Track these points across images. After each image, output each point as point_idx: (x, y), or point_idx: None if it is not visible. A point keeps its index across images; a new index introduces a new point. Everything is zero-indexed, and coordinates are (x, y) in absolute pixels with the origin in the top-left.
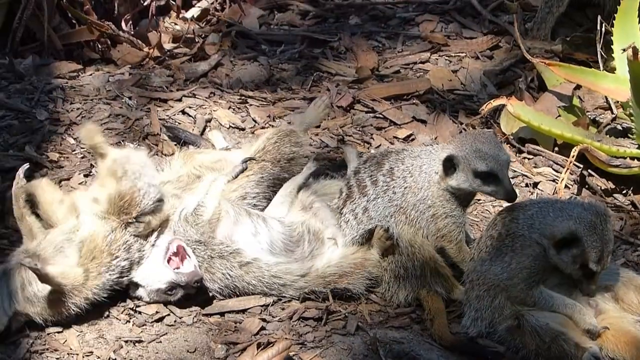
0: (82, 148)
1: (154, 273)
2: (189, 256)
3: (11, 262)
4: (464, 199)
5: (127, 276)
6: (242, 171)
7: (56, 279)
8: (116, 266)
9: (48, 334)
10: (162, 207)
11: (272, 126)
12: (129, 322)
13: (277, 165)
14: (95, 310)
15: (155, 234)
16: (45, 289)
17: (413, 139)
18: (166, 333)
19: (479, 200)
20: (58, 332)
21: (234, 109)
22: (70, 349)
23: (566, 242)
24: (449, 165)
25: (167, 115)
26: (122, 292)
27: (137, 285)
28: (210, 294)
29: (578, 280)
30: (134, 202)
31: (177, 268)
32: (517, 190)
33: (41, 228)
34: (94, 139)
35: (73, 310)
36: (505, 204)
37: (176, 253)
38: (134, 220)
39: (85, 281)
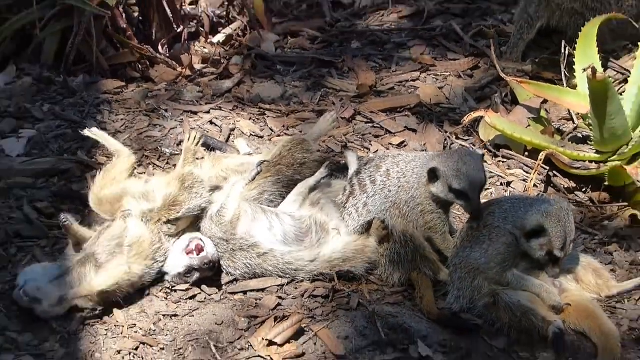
0: None
1: (176, 260)
2: (206, 247)
3: (70, 260)
4: (443, 204)
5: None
6: (258, 173)
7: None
8: (151, 268)
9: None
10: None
11: (287, 134)
12: (166, 299)
13: (291, 168)
14: (137, 291)
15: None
16: (99, 286)
17: (405, 145)
18: (198, 308)
19: None
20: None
21: (254, 120)
22: (117, 321)
23: (535, 232)
24: (432, 175)
25: (197, 125)
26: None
27: (163, 273)
28: (233, 278)
29: (545, 265)
30: (177, 210)
31: (190, 255)
32: (492, 189)
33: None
34: (194, 146)
35: (118, 298)
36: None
37: (194, 248)
38: (169, 221)
39: (129, 278)
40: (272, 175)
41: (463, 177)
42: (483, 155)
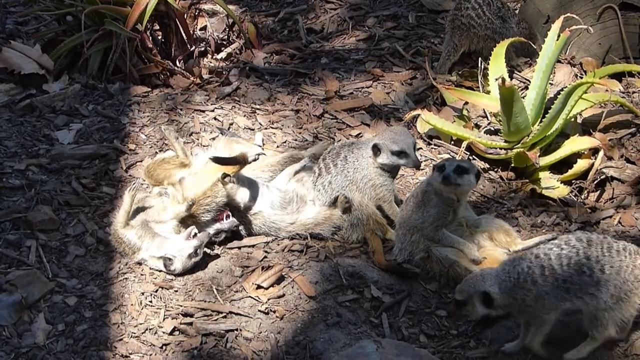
0: (150, 142)
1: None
2: (230, 216)
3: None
4: (391, 171)
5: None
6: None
7: None
8: None
9: (128, 262)
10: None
11: (272, 127)
12: None
13: (281, 170)
14: None
15: None
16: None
17: (361, 136)
18: (204, 260)
19: (402, 174)
20: (136, 264)
21: (247, 117)
22: (142, 271)
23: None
24: (376, 149)
25: (205, 121)
26: None
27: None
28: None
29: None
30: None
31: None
32: (426, 169)
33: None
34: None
35: None
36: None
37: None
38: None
39: None
40: (270, 171)
41: (398, 141)
42: (406, 127)
